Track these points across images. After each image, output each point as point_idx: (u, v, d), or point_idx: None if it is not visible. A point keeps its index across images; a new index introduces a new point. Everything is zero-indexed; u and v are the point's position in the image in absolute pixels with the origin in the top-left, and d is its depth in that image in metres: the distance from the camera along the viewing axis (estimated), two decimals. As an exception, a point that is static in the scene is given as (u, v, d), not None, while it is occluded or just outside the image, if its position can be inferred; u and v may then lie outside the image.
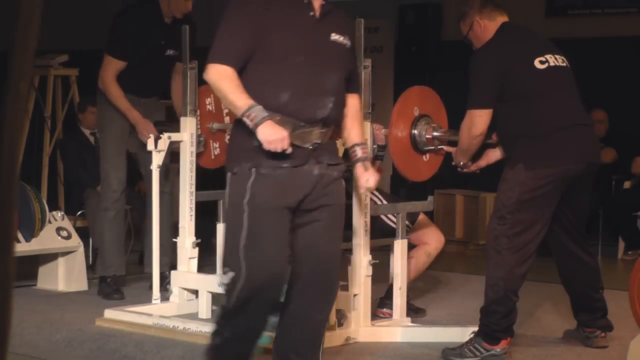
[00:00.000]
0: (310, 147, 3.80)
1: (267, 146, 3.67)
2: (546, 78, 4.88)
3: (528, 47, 4.98)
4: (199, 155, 5.86)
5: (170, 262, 6.24)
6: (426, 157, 5.32)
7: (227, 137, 6.05)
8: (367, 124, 5.12)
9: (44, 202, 6.50)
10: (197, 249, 5.84)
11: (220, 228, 5.82)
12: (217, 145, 6.09)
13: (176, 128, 5.83)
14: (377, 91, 7.27)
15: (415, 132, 5.23)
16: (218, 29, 3.82)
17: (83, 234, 6.75)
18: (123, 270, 6.45)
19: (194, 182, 5.81)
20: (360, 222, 5.16)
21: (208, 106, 6.02)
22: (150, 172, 5.83)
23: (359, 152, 4.05)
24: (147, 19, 6.17)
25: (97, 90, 6.39)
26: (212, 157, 6.09)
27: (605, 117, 8.52)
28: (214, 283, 5.63)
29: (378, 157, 5.69)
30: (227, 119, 6.08)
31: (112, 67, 6.15)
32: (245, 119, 3.68)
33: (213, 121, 6.04)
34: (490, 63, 4.85)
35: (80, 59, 8.15)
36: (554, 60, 4.94)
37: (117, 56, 6.14)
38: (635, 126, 8.67)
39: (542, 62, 4.90)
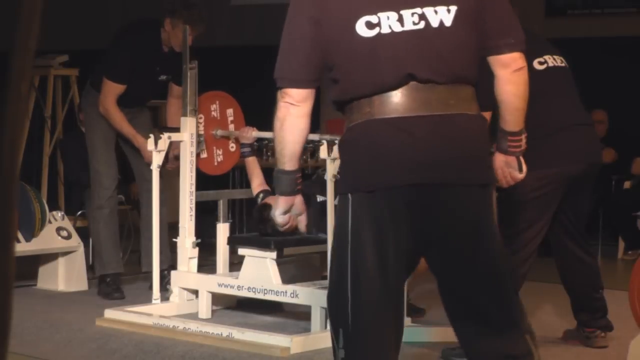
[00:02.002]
0: None
1: None
2: (545, 79, 4.87)
3: (527, 48, 4.97)
4: (198, 157, 5.86)
5: (167, 260, 6.24)
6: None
7: (231, 145, 6.06)
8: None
9: (44, 202, 6.50)
10: (197, 249, 5.84)
11: (221, 228, 5.82)
12: (220, 152, 6.06)
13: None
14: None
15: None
16: None
17: (83, 234, 6.74)
18: (121, 268, 6.46)
19: (194, 182, 5.80)
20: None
21: (213, 112, 6.00)
22: (141, 173, 5.90)
23: None
24: (147, 46, 6.17)
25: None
26: (215, 163, 6.07)
27: (605, 117, 8.51)
28: (214, 283, 5.63)
29: (245, 154, 5.85)
30: (231, 127, 6.06)
31: (112, 92, 6.16)
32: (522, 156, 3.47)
33: (217, 128, 6.02)
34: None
35: (80, 59, 8.14)
36: (553, 60, 4.93)
37: (117, 81, 6.15)
38: (635, 126, 8.66)
39: (541, 63, 4.90)
